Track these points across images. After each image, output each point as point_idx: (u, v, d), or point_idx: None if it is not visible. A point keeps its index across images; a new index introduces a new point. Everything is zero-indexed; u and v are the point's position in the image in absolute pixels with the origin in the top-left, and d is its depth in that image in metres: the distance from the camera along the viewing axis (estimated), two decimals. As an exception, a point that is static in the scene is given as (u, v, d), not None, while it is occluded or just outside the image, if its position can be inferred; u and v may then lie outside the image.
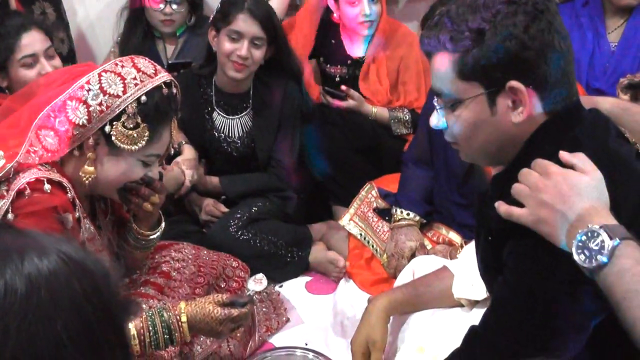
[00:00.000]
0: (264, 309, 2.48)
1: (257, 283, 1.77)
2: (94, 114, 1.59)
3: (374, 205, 2.79)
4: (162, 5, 3.09)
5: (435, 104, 1.40)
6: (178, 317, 1.67)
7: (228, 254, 2.31)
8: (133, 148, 1.62)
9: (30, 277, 0.75)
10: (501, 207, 1.24)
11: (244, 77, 2.73)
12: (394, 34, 3.21)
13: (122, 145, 1.61)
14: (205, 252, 2.18)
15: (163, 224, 1.95)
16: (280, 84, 2.81)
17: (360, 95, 3.13)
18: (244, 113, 2.85)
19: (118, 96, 1.59)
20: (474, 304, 1.82)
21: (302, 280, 2.77)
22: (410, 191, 2.66)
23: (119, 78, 1.60)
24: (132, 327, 1.62)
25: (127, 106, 1.59)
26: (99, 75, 1.60)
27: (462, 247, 2.42)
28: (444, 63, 1.32)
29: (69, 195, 1.61)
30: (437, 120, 1.40)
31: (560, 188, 1.17)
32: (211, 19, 2.76)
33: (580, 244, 1.13)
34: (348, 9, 3.05)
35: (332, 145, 3.02)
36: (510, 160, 1.36)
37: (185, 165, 2.65)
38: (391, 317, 1.89)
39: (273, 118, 2.83)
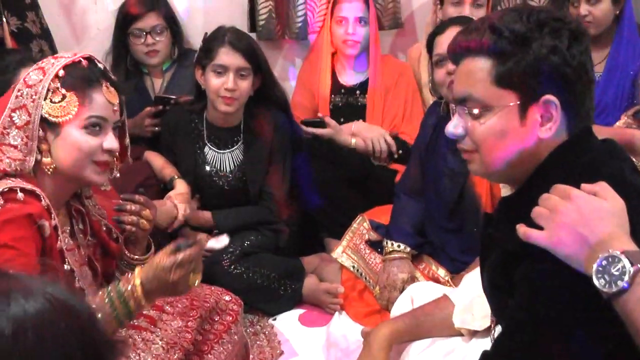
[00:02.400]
0: (257, 342, 2.48)
1: (217, 242, 1.74)
2: (30, 108, 1.66)
3: (366, 237, 2.81)
4: (142, 38, 3.13)
5: (456, 109, 1.37)
6: (132, 281, 1.64)
7: (221, 288, 2.31)
8: (68, 118, 1.66)
9: (16, 318, 0.76)
10: (521, 228, 1.22)
11: (235, 110, 2.76)
12: (387, 63, 3.30)
13: (57, 119, 1.66)
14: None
15: (153, 248, 1.96)
16: (269, 116, 2.85)
17: (337, 123, 3.17)
18: (235, 147, 2.88)
19: (40, 81, 1.67)
20: (473, 333, 1.83)
21: (296, 312, 2.77)
22: (401, 223, 2.69)
23: (38, 70, 1.70)
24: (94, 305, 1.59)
25: (49, 83, 1.66)
26: (24, 79, 1.70)
27: (447, 283, 2.45)
28: (480, 67, 1.31)
29: (43, 203, 1.63)
30: (454, 127, 1.37)
31: (581, 211, 1.16)
32: (195, 58, 2.81)
33: (600, 268, 1.11)
34: (336, 28, 3.23)
35: (323, 178, 3.05)
36: (523, 181, 1.35)
37: (178, 200, 2.66)
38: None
39: (264, 151, 2.85)
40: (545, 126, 1.30)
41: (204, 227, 2.86)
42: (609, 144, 1.37)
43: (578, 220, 1.16)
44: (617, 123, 2.73)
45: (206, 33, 2.81)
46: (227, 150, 2.88)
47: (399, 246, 2.62)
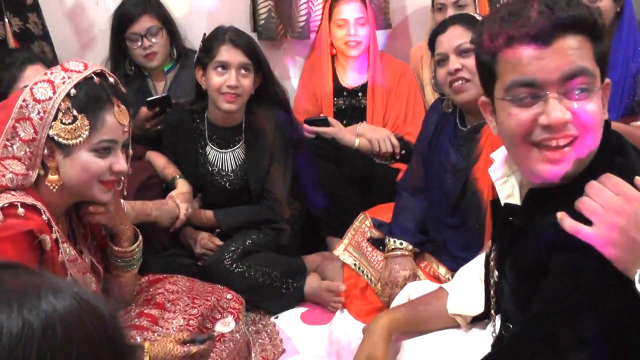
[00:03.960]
0: (259, 340, 2.49)
1: (224, 325, 1.82)
2: (37, 125, 1.63)
3: (368, 235, 2.81)
4: (139, 42, 3.14)
5: (551, 95, 1.27)
6: (141, 358, 1.68)
7: (223, 286, 2.32)
8: (78, 141, 1.64)
9: (46, 314, 0.78)
10: (566, 220, 1.20)
11: (238, 108, 2.76)
12: (387, 63, 3.32)
13: (67, 142, 1.63)
14: (199, 284, 2.19)
15: (140, 237, 1.98)
16: (270, 115, 2.85)
17: (339, 122, 3.22)
18: (237, 146, 2.89)
19: (50, 98, 1.63)
20: (469, 323, 1.85)
21: (298, 311, 2.78)
22: (403, 220, 2.69)
23: (48, 83, 1.65)
24: None
25: (60, 103, 1.63)
26: (31, 89, 1.65)
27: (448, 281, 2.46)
28: (583, 43, 1.26)
29: (44, 217, 1.62)
30: (562, 112, 1.25)
31: (637, 215, 1.15)
32: (195, 59, 2.81)
33: None
34: (336, 31, 3.25)
35: (325, 177, 3.06)
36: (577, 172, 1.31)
37: (180, 199, 2.66)
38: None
39: (265, 150, 2.86)
40: (603, 109, 1.30)
41: (206, 226, 2.88)
42: (618, 134, 1.37)
43: (633, 224, 1.15)
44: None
45: (205, 34, 2.82)
46: (229, 150, 2.89)
47: (401, 244, 2.63)
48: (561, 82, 1.25)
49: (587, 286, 1.20)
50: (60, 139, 1.63)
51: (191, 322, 1.99)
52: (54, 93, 1.63)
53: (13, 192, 1.61)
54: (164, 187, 2.81)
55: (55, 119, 1.63)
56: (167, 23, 3.22)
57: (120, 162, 1.71)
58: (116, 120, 1.69)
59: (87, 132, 1.64)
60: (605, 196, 1.18)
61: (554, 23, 1.24)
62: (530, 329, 1.28)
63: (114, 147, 1.70)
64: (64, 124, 1.63)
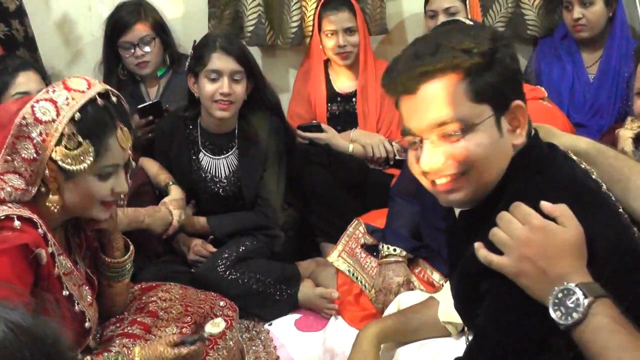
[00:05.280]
0: (253, 347, 2.48)
1: (214, 326, 1.82)
2: (38, 146, 1.60)
3: (362, 241, 2.81)
4: (132, 50, 3.13)
5: (424, 140, 1.32)
6: None
7: (216, 293, 2.31)
8: (82, 167, 1.62)
9: None
10: (481, 251, 1.24)
11: (231, 115, 2.76)
12: (381, 69, 3.30)
13: (70, 167, 1.61)
14: (192, 291, 2.18)
15: (132, 247, 1.97)
16: (263, 121, 2.85)
17: (332, 128, 3.22)
18: (230, 153, 2.88)
19: (53, 121, 1.59)
20: (460, 332, 1.84)
21: (292, 317, 2.76)
22: (397, 226, 2.69)
23: (51, 103, 1.61)
24: None
25: (64, 128, 1.59)
26: (32, 107, 1.61)
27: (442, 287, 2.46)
28: (453, 86, 1.28)
29: (40, 230, 1.60)
30: (433, 157, 1.31)
31: (544, 245, 1.19)
32: (187, 66, 2.80)
33: (556, 300, 1.16)
34: (326, 41, 3.25)
35: (318, 183, 3.05)
36: (487, 194, 1.34)
37: (173, 206, 2.66)
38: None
39: (259, 156, 2.86)
40: (516, 132, 1.32)
41: (199, 232, 2.87)
42: (554, 147, 1.39)
43: (540, 254, 1.18)
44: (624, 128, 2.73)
45: (195, 40, 2.81)
46: (222, 156, 2.88)
47: (394, 250, 2.62)
48: (432, 129, 1.30)
49: (513, 307, 1.23)
50: (63, 164, 1.61)
51: (184, 330, 1.97)
52: (57, 115, 1.60)
53: (9, 205, 1.59)
54: (157, 194, 2.80)
55: (59, 143, 1.60)
56: (161, 31, 3.21)
57: (121, 184, 1.72)
58: (119, 145, 1.68)
59: (91, 159, 1.63)
60: (512, 227, 1.21)
61: (416, 72, 1.29)
62: (470, 354, 1.32)
63: (117, 169, 1.70)
64: (68, 149, 1.61)
